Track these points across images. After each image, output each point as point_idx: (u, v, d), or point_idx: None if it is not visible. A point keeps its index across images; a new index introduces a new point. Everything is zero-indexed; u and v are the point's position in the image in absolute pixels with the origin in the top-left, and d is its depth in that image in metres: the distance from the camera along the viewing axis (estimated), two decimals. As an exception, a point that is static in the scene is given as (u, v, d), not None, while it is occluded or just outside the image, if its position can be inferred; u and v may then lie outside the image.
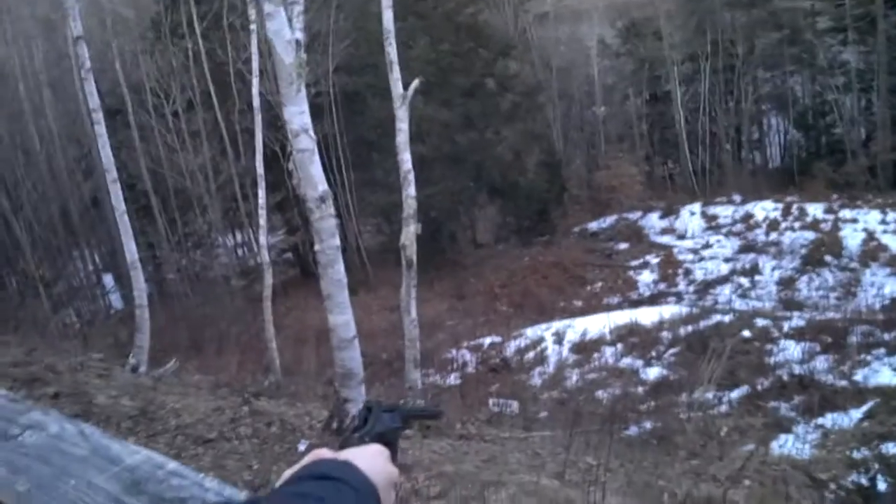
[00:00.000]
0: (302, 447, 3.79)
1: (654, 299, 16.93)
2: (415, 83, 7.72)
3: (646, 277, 19.09)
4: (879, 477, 4.10)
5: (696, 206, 23.68)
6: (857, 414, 6.78)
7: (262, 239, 10.68)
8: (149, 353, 7.46)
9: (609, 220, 24.66)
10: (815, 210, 20.69)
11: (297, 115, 4.02)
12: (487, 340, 13.72)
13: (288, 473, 0.66)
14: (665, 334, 11.57)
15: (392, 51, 7.65)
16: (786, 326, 10.48)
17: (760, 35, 26.77)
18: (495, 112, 22.74)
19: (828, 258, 17.26)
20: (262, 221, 10.48)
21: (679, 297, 17.01)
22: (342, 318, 4.27)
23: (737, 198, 23.68)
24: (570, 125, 30.74)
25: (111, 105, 18.63)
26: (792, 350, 9.36)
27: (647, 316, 12.60)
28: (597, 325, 12.70)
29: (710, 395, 8.05)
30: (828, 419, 6.83)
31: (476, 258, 22.79)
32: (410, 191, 7.59)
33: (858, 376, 8.00)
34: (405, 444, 4.12)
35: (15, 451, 1.21)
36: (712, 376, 8.12)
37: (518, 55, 26.36)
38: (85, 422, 1.31)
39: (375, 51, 15.13)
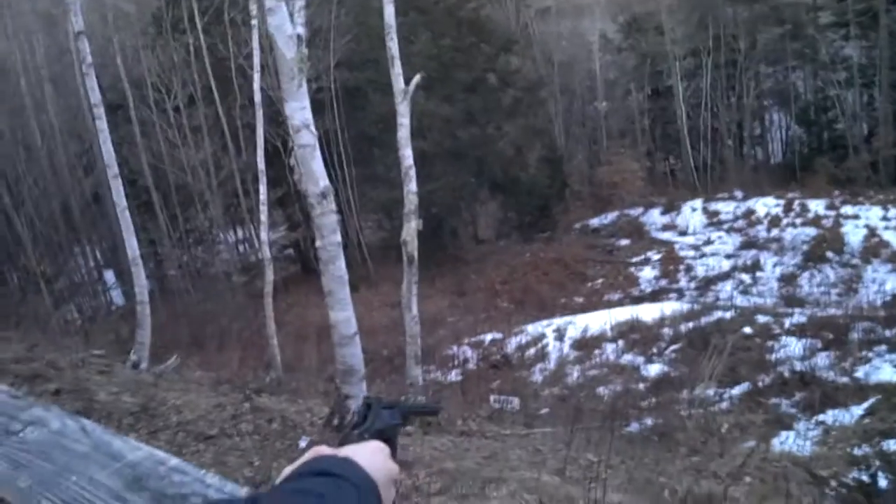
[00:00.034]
0: (303, 444, 3.79)
1: (656, 296, 16.93)
2: (416, 78, 7.70)
3: (647, 274, 19.09)
4: (880, 474, 4.10)
5: (698, 203, 23.67)
6: (858, 411, 6.78)
7: (264, 235, 10.69)
8: (150, 350, 7.46)
9: (610, 216, 24.66)
10: (816, 206, 20.67)
11: (299, 110, 4.01)
12: (488, 337, 13.73)
13: (288, 470, 0.66)
14: (666, 331, 11.58)
15: (393, 46, 7.63)
16: (787, 323, 10.48)
17: (762, 30, 26.72)
18: (497, 107, 22.71)
19: (829, 254, 17.24)
20: (264, 217, 10.48)
21: (680, 294, 17.01)
22: (343, 314, 4.27)
23: (738, 194, 23.65)
24: (572, 120, 30.71)
25: (112, 100, 18.63)
26: (793, 347, 9.36)
27: (648, 312, 12.60)
28: (598, 321, 12.71)
29: (711, 392, 8.05)
30: (829, 416, 6.84)
31: (477, 254, 22.79)
32: (412, 186, 7.58)
33: (859, 373, 8.01)
34: (406, 441, 4.13)
35: (17, 448, 1.21)
36: (713, 373, 8.11)
37: (520, 50, 26.33)
38: (86, 419, 1.31)
39: (377, 46, 15.10)
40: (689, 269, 18.91)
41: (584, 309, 15.63)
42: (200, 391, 4.94)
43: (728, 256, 19.12)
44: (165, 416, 3.97)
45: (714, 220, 22.33)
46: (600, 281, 19.19)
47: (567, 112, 30.44)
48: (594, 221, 24.93)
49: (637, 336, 11.71)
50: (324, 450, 0.69)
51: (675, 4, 27.99)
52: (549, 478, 3.67)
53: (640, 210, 24.32)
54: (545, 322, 13.90)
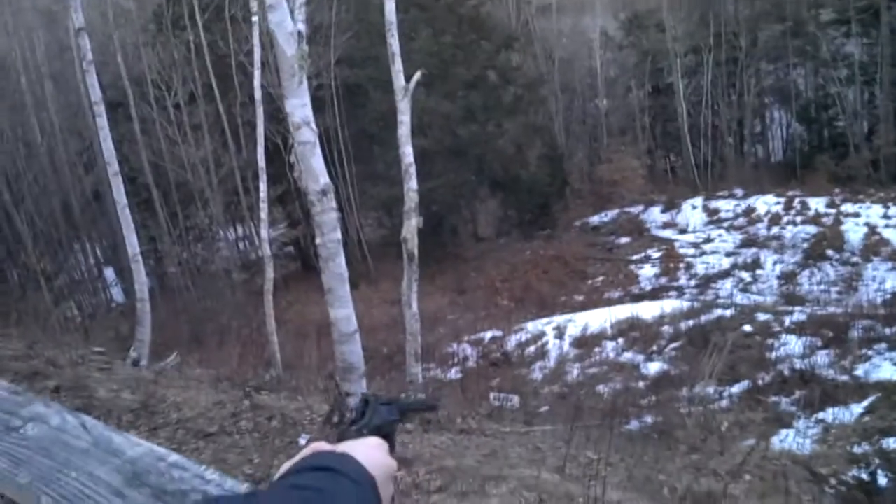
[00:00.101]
0: (303, 441, 3.79)
1: (656, 294, 16.93)
2: (417, 75, 7.70)
3: (647, 272, 19.09)
4: (880, 472, 4.10)
5: (698, 200, 23.67)
6: (857, 409, 6.78)
7: (264, 232, 10.69)
8: (150, 347, 7.48)
9: (611, 213, 24.66)
10: (816, 204, 20.68)
11: (299, 107, 4.01)
12: (488, 334, 13.74)
13: (286, 466, 0.66)
14: (666, 329, 11.58)
15: (394, 43, 7.63)
16: (787, 321, 10.47)
17: (763, 27, 26.70)
18: (497, 105, 22.69)
19: (829, 252, 17.25)
20: (264, 215, 10.48)
21: (680, 292, 17.00)
22: (343, 311, 4.27)
23: (739, 191, 23.66)
24: (573, 118, 30.69)
25: (113, 98, 18.60)
26: (793, 345, 9.36)
27: (648, 310, 12.60)
28: (598, 319, 12.71)
29: (710, 390, 8.05)
30: (828, 414, 6.83)
31: (477, 252, 22.80)
32: (412, 184, 7.57)
33: (859, 371, 8.00)
34: (406, 439, 4.14)
35: (17, 444, 1.21)
36: (713, 371, 8.12)
37: (520, 47, 26.33)
38: (86, 415, 1.31)
39: (377, 43, 15.10)
40: (689, 266, 18.92)
41: (584, 307, 15.63)
42: (200, 388, 4.94)
43: (728, 254, 19.12)
44: (165, 414, 3.97)
45: (714, 218, 22.33)
46: (600, 279, 19.20)
47: (567, 109, 30.41)
48: (594, 219, 24.93)
49: (637, 334, 11.71)
50: (322, 446, 0.69)
51: (677, 1, 28.01)
52: (548, 475, 3.68)
53: (640, 208, 24.31)
54: (545, 320, 13.91)
